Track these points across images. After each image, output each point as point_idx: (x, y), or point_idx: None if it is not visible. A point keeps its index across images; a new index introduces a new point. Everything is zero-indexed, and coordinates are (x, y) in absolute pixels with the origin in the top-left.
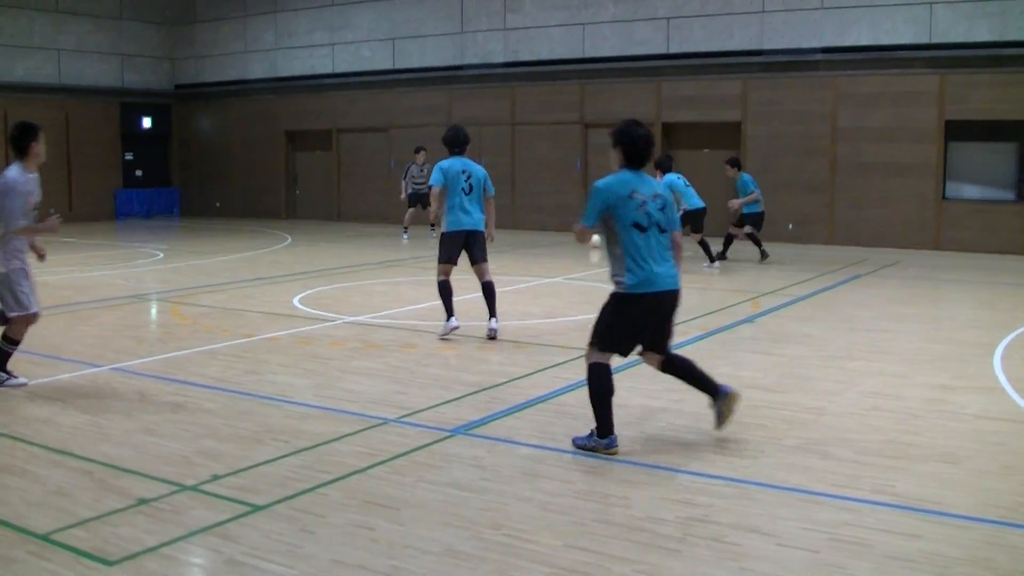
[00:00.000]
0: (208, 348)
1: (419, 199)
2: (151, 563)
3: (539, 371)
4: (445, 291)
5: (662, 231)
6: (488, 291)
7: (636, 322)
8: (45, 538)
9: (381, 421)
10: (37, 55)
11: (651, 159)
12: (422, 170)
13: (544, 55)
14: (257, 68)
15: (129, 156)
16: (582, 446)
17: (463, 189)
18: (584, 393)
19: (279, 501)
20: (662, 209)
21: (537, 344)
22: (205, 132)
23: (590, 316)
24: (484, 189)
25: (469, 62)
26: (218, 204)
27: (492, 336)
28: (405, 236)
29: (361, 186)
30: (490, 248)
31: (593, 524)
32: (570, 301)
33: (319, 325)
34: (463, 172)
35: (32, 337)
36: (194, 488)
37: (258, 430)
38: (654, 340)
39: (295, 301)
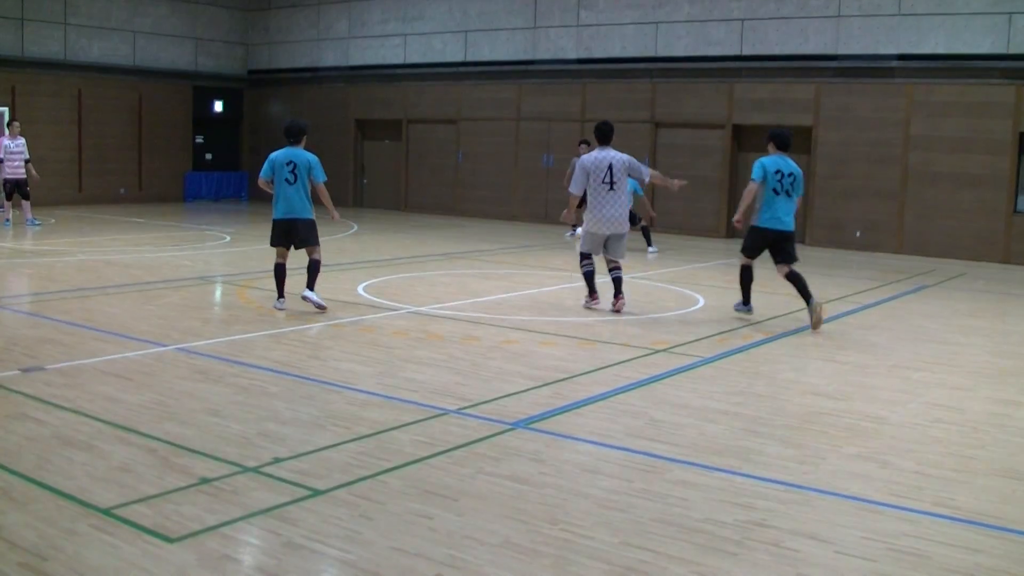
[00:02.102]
0: (272, 332)
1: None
2: (211, 542)
3: (601, 368)
4: (278, 272)
5: (789, 196)
6: (312, 267)
7: (756, 243)
8: (108, 513)
9: (442, 412)
10: (114, 36)
11: None
12: None
13: (616, 53)
14: (329, 56)
15: (200, 139)
16: None
17: (287, 179)
18: (645, 391)
19: (339, 487)
20: (792, 184)
21: (600, 342)
22: (276, 118)
23: (654, 316)
24: (310, 177)
25: (541, 57)
26: None
27: (306, 299)
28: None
29: (428, 177)
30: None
31: (651, 523)
32: (633, 300)
33: (383, 314)
34: (288, 163)
35: (100, 315)
36: (255, 470)
37: (320, 415)
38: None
39: (359, 289)
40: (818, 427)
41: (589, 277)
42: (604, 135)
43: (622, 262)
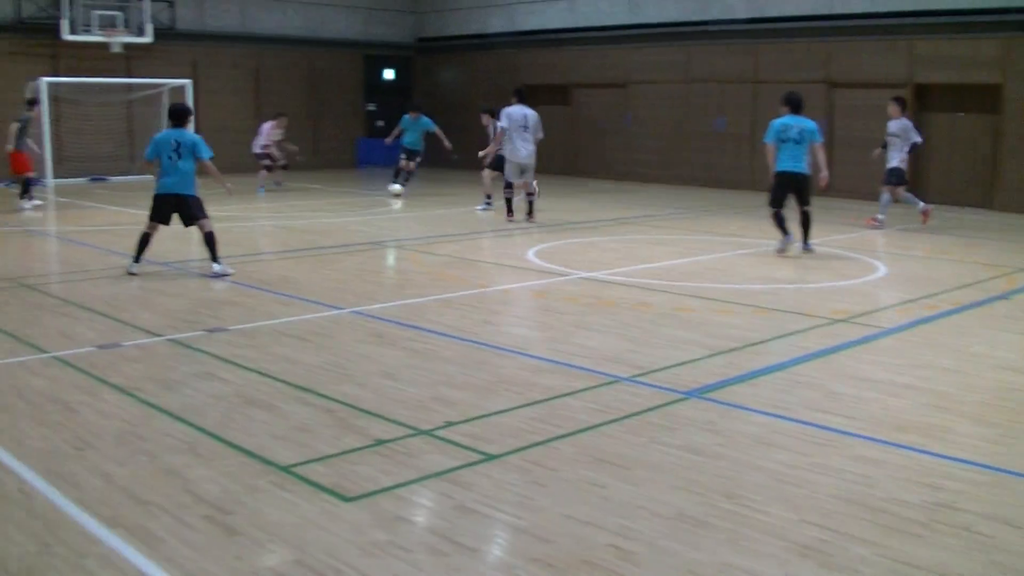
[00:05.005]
0: (444, 296)
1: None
2: (385, 502)
3: (777, 338)
4: (143, 241)
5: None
6: (208, 240)
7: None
8: (287, 470)
9: (614, 379)
10: (287, 8)
11: None
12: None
13: (790, 11)
14: (497, 22)
15: (371, 107)
16: None
17: (170, 157)
18: (823, 362)
19: (511, 452)
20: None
21: (776, 310)
22: (445, 84)
23: (833, 284)
24: (194, 154)
25: (711, 17)
26: (455, 156)
27: (217, 275)
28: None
29: (597, 141)
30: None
31: (830, 500)
32: (812, 268)
33: (553, 279)
34: (173, 142)
35: (279, 279)
36: (429, 433)
37: (492, 380)
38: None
39: (530, 254)
40: (1013, 404)
41: (509, 202)
42: (521, 96)
43: (535, 186)
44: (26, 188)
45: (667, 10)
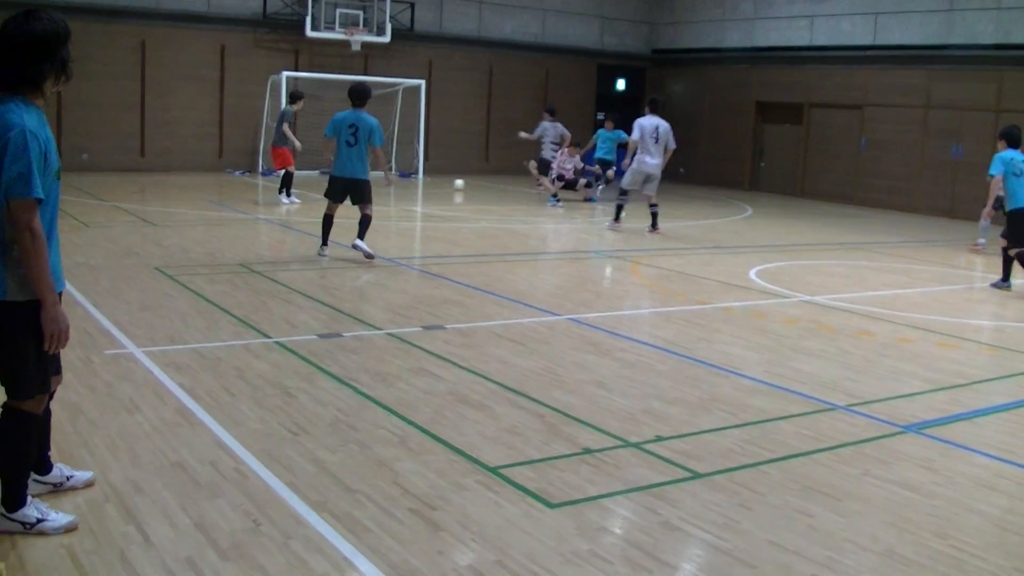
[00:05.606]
0: (662, 310)
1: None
2: (590, 512)
3: (1004, 377)
4: (326, 223)
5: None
6: (364, 221)
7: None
8: (494, 471)
9: (830, 406)
10: (524, 14)
11: None
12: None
13: None
14: (733, 37)
15: (601, 116)
16: None
17: (347, 141)
18: None
19: (720, 472)
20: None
21: (1004, 348)
22: (676, 97)
23: None
24: (370, 141)
25: (955, 42)
26: (682, 170)
27: (356, 247)
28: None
29: (828, 163)
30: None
31: None
32: None
33: (774, 300)
34: (351, 126)
35: (498, 281)
36: (637, 446)
37: (705, 398)
38: None
39: (751, 273)
40: None
41: (620, 209)
42: (655, 106)
43: (655, 198)
44: (286, 183)
45: (911, 32)
